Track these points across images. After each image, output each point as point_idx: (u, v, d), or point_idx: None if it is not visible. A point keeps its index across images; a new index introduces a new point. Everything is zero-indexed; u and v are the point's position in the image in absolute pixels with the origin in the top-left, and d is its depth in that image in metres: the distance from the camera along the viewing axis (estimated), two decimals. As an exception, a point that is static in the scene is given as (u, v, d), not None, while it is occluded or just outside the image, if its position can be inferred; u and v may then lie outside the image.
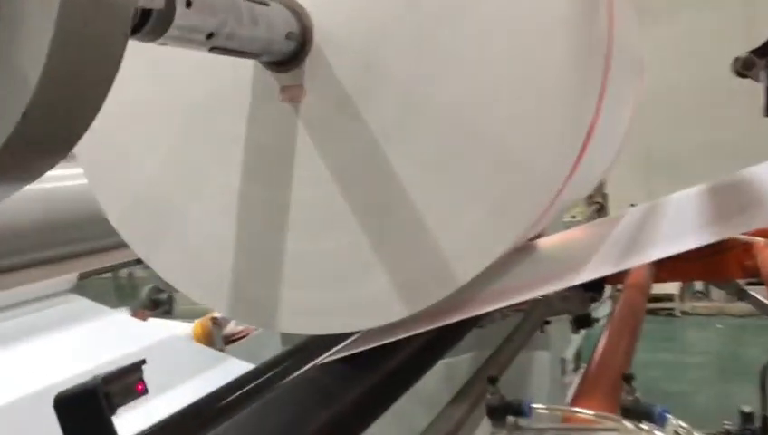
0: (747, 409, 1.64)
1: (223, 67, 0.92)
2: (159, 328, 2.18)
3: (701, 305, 7.21)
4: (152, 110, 1.01)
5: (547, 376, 2.85)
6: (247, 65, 0.91)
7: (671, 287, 6.86)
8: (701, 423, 0.94)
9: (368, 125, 0.88)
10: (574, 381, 3.43)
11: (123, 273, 11.55)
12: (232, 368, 1.58)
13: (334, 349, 1.04)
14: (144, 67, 0.98)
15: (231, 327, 3.44)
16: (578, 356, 4.07)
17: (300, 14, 0.85)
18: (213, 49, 0.72)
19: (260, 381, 1.15)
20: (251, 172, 0.96)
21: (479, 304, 0.95)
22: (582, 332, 2.66)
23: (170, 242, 1.03)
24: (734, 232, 1.30)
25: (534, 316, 1.61)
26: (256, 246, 0.98)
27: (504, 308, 1.54)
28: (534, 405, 0.86)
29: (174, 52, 0.93)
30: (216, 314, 3.18)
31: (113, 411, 0.63)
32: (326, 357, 1.03)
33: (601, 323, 1.82)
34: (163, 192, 1.02)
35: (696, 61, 7.06)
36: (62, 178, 1.51)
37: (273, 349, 1.55)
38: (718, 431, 1.59)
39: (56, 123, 0.43)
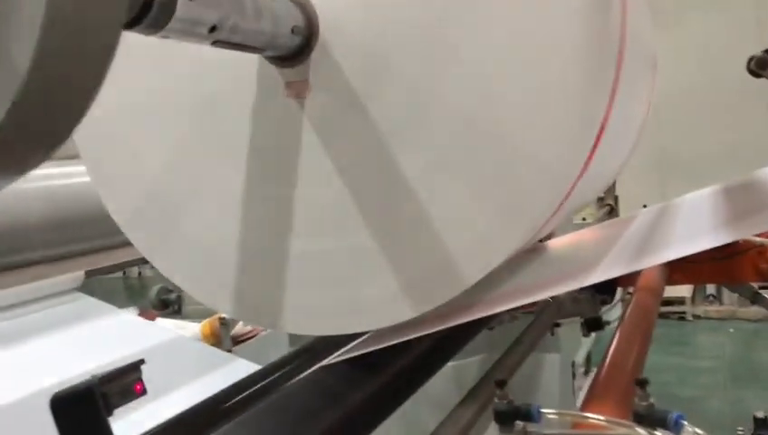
0: (761, 414, 1.62)
1: (228, 63, 0.91)
2: (166, 328, 2.17)
3: (713, 309, 7.15)
4: (156, 107, 1.00)
5: (557, 380, 2.83)
6: (252, 61, 0.89)
7: (683, 291, 6.81)
8: (714, 429, 0.92)
9: (374, 122, 0.86)
10: (584, 385, 3.40)
11: (133, 272, 11.65)
12: (238, 368, 1.57)
13: (341, 350, 1.02)
14: (148, 64, 0.97)
15: (239, 327, 3.43)
16: (588, 359, 4.05)
17: (305, 8, 0.83)
18: (216, 43, 0.70)
19: (266, 382, 1.14)
20: (256, 170, 0.94)
21: (488, 306, 0.93)
22: (593, 335, 2.63)
23: (174, 241, 1.02)
24: (750, 232, 1.28)
25: (544, 319, 1.59)
26: (261, 245, 0.97)
27: (514, 310, 1.53)
28: (544, 410, 0.83)
29: (179, 47, 0.92)
30: (224, 314, 3.17)
31: (110, 412, 0.61)
32: (333, 358, 1.01)
33: (612, 326, 1.80)
34: (167, 191, 1.01)
35: (707, 62, 7.01)
36: (69, 176, 1.50)
37: (282, 349, 1.54)
38: (731, 438, 1.57)
39: (48, 114, 0.41)
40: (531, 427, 0.82)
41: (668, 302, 6.55)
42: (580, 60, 0.81)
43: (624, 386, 1.09)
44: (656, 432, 0.76)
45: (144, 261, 1.09)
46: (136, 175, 1.03)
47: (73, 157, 1.09)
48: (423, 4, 0.84)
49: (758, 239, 1.77)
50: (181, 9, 0.61)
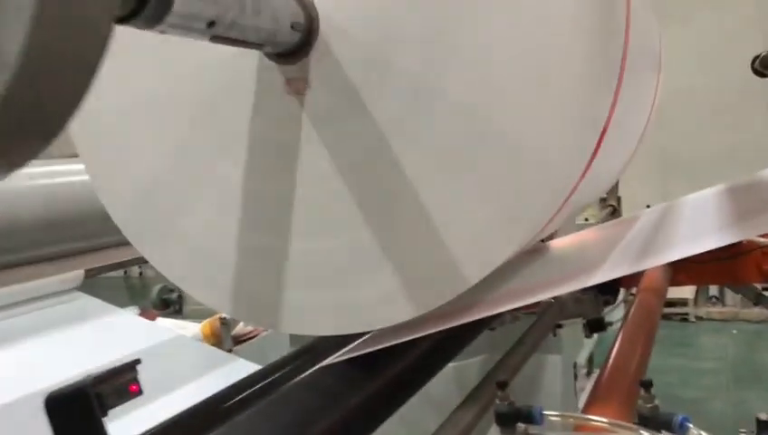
0: (764, 416, 1.61)
1: (227, 60, 0.90)
2: (166, 328, 2.16)
3: (716, 310, 7.13)
4: (155, 105, 0.99)
5: (559, 381, 2.82)
6: (252, 57, 0.88)
7: (686, 292, 6.81)
8: (716, 431, 0.91)
9: (375, 120, 0.85)
10: (586, 386, 3.39)
11: (134, 272, 11.67)
12: (238, 369, 1.56)
13: (341, 350, 1.01)
14: (147, 62, 0.97)
15: (240, 327, 3.42)
16: (590, 361, 4.03)
17: (305, 4, 0.82)
18: (214, 38, 0.69)
19: (266, 382, 1.14)
20: (255, 169, 0.94)
21: (489, 306, 0.92)
22: (595, 336, 2.62)
23: (172, 240, 1.01)
24: (755, 233, 1.27)
25: (546, 319, 1.58)
26: (260, 243, 0.96)
27: (516, 310, 1.52)
28: (546, 412, 0.82)
29: (177, 44, 0.92)
30: (225, 314, 3.17)
31: (105, 413, 0.60)
32: (333, 359, 1.00)
33: (615, 327, 1.79)
34: (165, 189, 1.00)
35: (710, 63, 7.00)
36: (70, 174, 1.50)
37: (283, 350, 1.53)
38: (735, 439, 1.56)
39: (39, 108, 0.40)
40: (532, 429, 0.81)
41: (671, 303, 6.55)
42: (583, 58, 0.80)
43: (627, 388, 1.08)
44: (660, 435, 0.75)
45: (144, 260, 1.08)
46: (134, 173, 1.02)
47: (73, 155, 1.08)
48: (425, 0, 0.82)
49: (762, 240, 1.76)
50: (179, 3, 0.60)
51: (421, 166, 0.85)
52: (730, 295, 7.00)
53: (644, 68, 1.34)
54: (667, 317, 6.28)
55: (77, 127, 1.04)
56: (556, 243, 1.18)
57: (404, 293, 0.88)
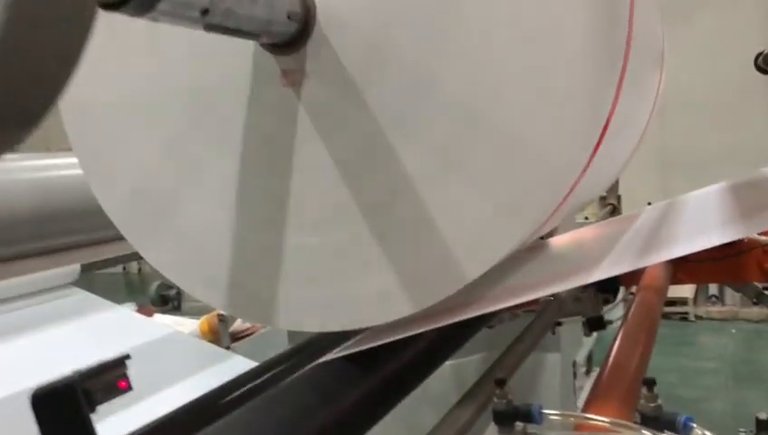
0: (763, 416, 1.60)
1: (222, 51, 0.89)
2: (162, 324, 2.15)
3: (715, 310, 7.14)
4: (149, 99, 0.97)
5: (558, 379, 2.81)
6: (247, 48, 0.87)
7: (685, 291, 6.81)
8: (716, 431, 0.90)
9: (373, 113, 0.84)
10: (585, 385, 3.38)
11: (133, 268, 11.68)
12: (234, 365, 1.55)
13: (339, 347, 1.00)
14: (141, 55, 0.95)
15: (238, 324, 3.42)
16: (589, 359, 4.03)
17: (302, -7, 0.81)
18: (208, 27, 0.68)
19: (262, 379, 1.13)
20: (250, 162, 0.92)
21: (488, 303, 0.91)
22: (594, 334, 2.61)
23: (166, 234, 1.00)
24: (758, 229, 1.25)
25: (545, 317, 1.57)
26: (255, 238, 0.94)
27: (514, 308, 1.50)
28: (545, 411, 0.81)
29: (173, 36, 0.90)
30: (221, 311, 3.16)
31: (93, 409, 0.59)
32: (330, 355, 0.99)
33: (614, 325, 1.78)
34: (160, 183, 0.98)
35: (711, 61, 7.00)
36: (65, 167, 1.48)
37: (281, 346, 1.52)
38: (735, 439, 1.55)
39: (17, 96, 0.39)
40: (531, 428, 0.80)
41: (671, 302, 6.55)
42: (585, 53, 0.79)
43: (628, 387, 1.07)
44: (662, 435, 0.73)
45: (140, 256, 1.07)
46: (128, 167, 1.00)
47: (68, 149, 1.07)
48: None
49: (763, 238, 1.75)
50: (170, -10, 0.59)
51: (419, 160, 0.83)
52: (730, 295, 7.01)
53: (647, 63, 1.32)
54: (666, 316, 6.27)
55: (69, 119, 1.03)
56: (556, 240, 1.17)
57: (402, 289, 0.87)
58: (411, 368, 1.07)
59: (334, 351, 1.01)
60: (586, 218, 3.76)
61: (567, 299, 1.65)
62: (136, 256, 1.15)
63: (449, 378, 2.10)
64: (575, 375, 3.20)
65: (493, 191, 0.82)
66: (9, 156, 1.43)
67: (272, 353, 1.23)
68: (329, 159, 0.87)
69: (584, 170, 0.93)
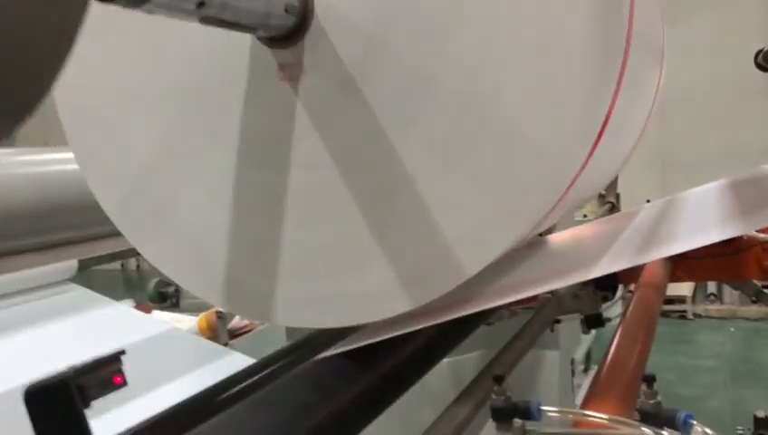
0: (761, 414, 1.60)
1: (219, 46, 0.88)
2: (160, 321, 2.14)
3: (714, 308, 7.15)
4: (146, 94, 0.96)
5: (556, 377, 2.81)
6: (244, 42, 0.86)
7: (684, 289, 6.81)
8: (714, 428, 0.90)
9: (371, 108, 0.83)
10: (584, 382, 3.38)
11: (132, 264, 11.67)
12: (232, 362, 1.54)
13: (336, 344, 1.00)
14: (137, 49, 0.94)
15: (236, 321, 3.41)
16: (588, 357, 4.03)
17: (300, -13, 0.80)
18: (204, 19, 0.67)
19: (260, 375, 1.12)
20: (248, 158, 0.91)
21: (486, 299, 0.91)
22: (593, 332, 2.61)
23: (164, 230, 0.99)
24: (757, 226, 1.25)
25: (544, 315, 1.56)
26: (252, 234, 0.94)
27: (513, 305, 1.50)
28: (544, 408, 0.80)
29: (169, 30, 0.89)
30: (219, 307, 3.15)
31: (87, 405, 0.58)
32: (328, 352, 0.99)
33: (613, 323, 1.78)
34: (156, 178, 0.98)
35: (711, 61, 7.00)
36: (62, 162, 1.47)
37: (279, 343, 1.51)
38: (732, 437, 1.55)
39: (8, 86, 0.38)
40: (530, 425, 0.79)
41: (669, 300, 6.56)
42: (585, 48, 0.78)
43: (626, 384, 1.06)
44: (662, 432, 0.72)
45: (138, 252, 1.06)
46: (124, 163, 1.00)
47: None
48: None
49: (762, 235, 1.75)
50: (166, -18, 0.58)
51: (418, 156, 0.83)
52: (728, 293, 7.02)
53: (647, 60, 1.32)
54: (665, 314, 6.28)
55: (66, 116, 1.02)
56: (554, 237, 1.16)
57: (400, 285, 0.86)
58: (409, 365, 1.07)
59: (332, 347, 1.01)
60: (585, 216, 3.75)
61: (566, 296, 1.65)
62: (134, 253, 1.14)
63: (447, 375, 2.10)
64: (573, 373, 3.20)
65: (491, 187, 0.81)
66: (6, 150, 1.43)
67: (270, 350, 1.22)
68: (326, 153, 0.86)
69: (583, 166, 0.92)
